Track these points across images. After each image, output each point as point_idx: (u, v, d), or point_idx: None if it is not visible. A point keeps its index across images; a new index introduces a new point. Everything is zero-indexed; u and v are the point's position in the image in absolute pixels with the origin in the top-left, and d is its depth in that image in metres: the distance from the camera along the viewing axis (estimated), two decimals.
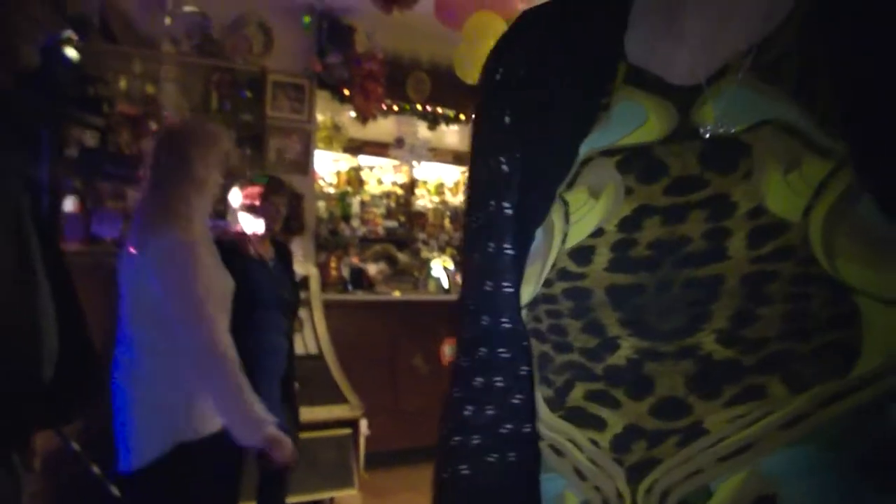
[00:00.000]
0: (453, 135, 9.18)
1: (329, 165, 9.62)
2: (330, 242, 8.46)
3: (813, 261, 0.70)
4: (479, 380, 1.00)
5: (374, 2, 5.73)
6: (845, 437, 0.72)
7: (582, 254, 0.81)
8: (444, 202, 10.49)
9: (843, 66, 0.76)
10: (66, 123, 5.70)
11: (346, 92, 7.13)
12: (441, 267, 8.51)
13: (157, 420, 3.17)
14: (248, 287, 3.49)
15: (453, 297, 8.33)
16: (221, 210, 4.29)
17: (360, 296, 7.43)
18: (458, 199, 10.65)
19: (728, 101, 0.79)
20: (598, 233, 0.80)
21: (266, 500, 4.41)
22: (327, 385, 5.94)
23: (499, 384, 0.99)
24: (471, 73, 6.02)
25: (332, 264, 7.68)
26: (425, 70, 7.83)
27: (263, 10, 6.86)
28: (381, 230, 9.60)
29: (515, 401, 0.98)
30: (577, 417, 0.83)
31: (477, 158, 1.01)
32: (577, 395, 0.83)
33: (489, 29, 5.71)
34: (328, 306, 6.48)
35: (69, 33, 4.64)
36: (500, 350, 0.98)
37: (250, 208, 4.39)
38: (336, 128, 8.17)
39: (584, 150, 0.86)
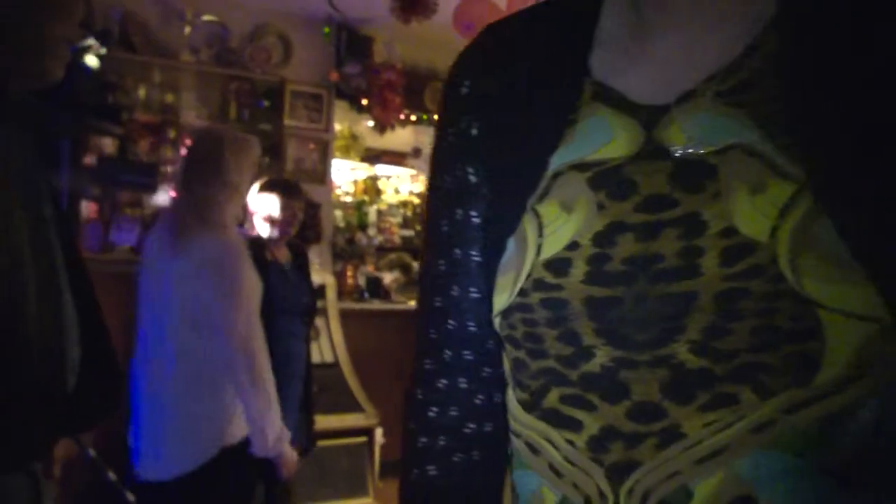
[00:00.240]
0: None
1: (346, 175, 9.63)
2: (346, 251, 8.46)
3: (781, 278, 0.74)
4: (443, 381, 1.03)
5: (392, 12, 5.75)
6: (812, 444, 0.75)
7: (558, 266, 0.84)
8: None
9: (802, 97, 0.80)
10: (86, 132, 5.74)
11: (364, 102, 7.14)
12: None
13: (198, 428, 3.21)
14: (267, 292, 3.51)
15: None
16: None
17: (377, 305, 7.43)
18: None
19: (695, 124, 0.82)
20: (573, 246, 0.83)
21: None
22: (343, 393, 5.95)
23: (462, 386, 1.03)
24: None
25: (349, 273, 7.68)
26: (443, 80, 7.82)
27: (282, 21, 6.89)
28: (397, 239, 9.60)
29: (477, 401, 1.03)
30: (554, 418, 0.85)
31: (442, 168, 1.04)
32: (552, 398, 0.85)
33: None
34: (344, 315, 6.48)
35: (90, 41, 4.66)
36: (465, 353, 1.02)
37: (266, 213, 4.40)
38: (353, 137, 8.18)
39: (555, 163, 0.88)
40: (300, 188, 4.70)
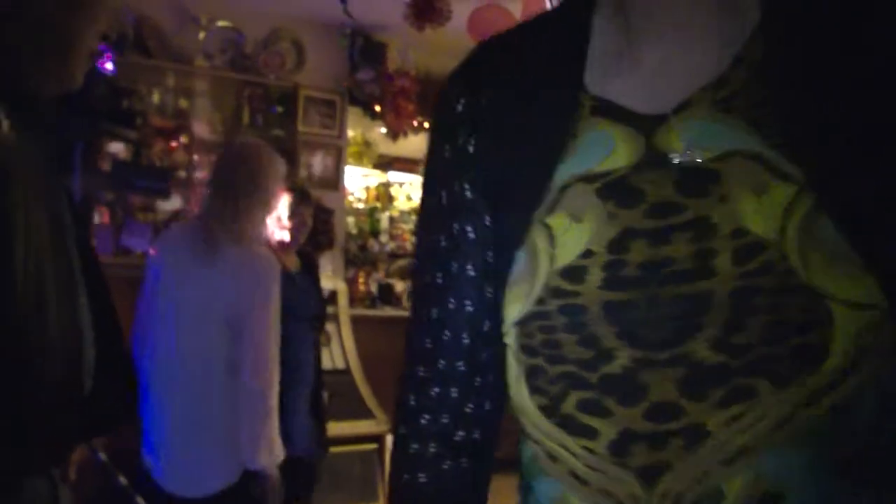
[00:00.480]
0: None
1: (358, 181, 9.65)
2: (358, 258, 8.47)
3: (791, 273, 0.78)
4: (435, 390, 1.07)
5: (406, 19, 5.75)
6: (825, 439, 0.79)
7: (574, 273, 0.87)
8: None
9: (792, 100, 0.84)
10: (100, 136, 5.76)
11: (378, 108, 7.15)
12: None
13: (231, 447, 3.22)
14: None
15: None
16: None
17: (388, 311, 7.43)
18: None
19: (693, 132, 0.85)
20: (588, 254, 0.86)
21: None
22: (354, 400, 5.94)
23: (454, 394, 1.06)
24: None
25: (361, 279, 7.69)
26: None
27: (296, 27, 6.90)
28: (409, 246, 9.60)
29: (468, 410, 1.06)
30: (569, 426, 0.88)
31: (437, 183, 1.07)
32: (570, 403, 0.88)
33: None
34: (356, 321, 6.48)
35: (104, 47, 4.68)
36: (458, 363, 1.06)
37: (277, 219, 4.41)
38: (366, 144, 8.19)
39: (561, 177, 0.91)
40: (310, 194, 4.71)
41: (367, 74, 7.04)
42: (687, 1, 0.90)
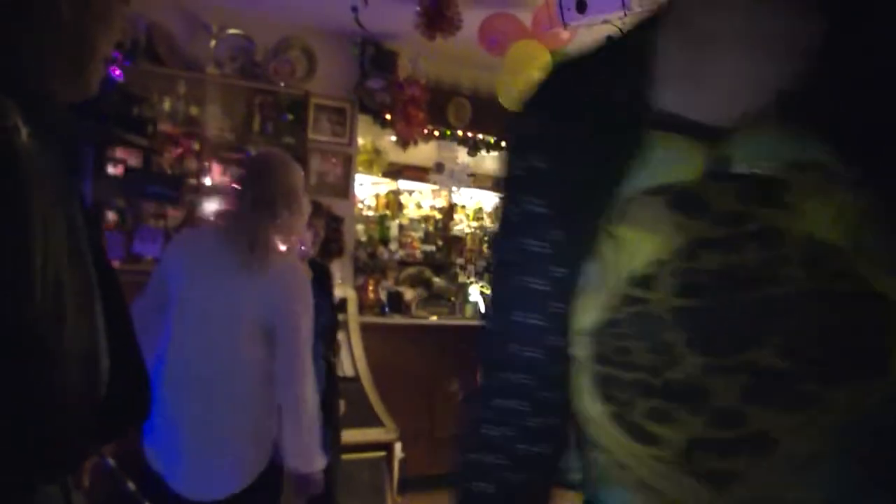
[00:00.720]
0: (493, 161, 9.19)
1: (368, 189, 9.66)
2: (368, 265, 8.48)
3: (861, 280, 0.80)
4: (501, 402, 1.09)
5: (417, 28, 5.77)
6: (887, 446, 0.81)
7: (645, 282, 0.89)
8: (482, 227, 10.49)
9: (861, 112, 0.85)
10: (111, 143, 5.78)
11: (388, 116, 7.16)
12: (478, 292, 8.50)
13: (255, 445, 3.28)
14: None
15: None
16: None
17: (397, 319, 7.44)
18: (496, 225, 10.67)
19: (759, 143, 0.87)
20: (658, 263, 0.88)
21: None
22: (363, 408, 5.94)
23: (520, 408, 1.08)
24: (513, 101, 6.03)
25: (370, 287, 7.70)
26: (467, 96, 7.85)
27: (307, 35, 6.92)
28: (418, 254, 9.62)
29: (532, 424, 1.09)
30: (638, 434, 0.90)
31: (510, 198, 1.10)
32: (639, 411, 0.89)
33: (532, 57, 5.73)
34: (365, 329, 6.49)
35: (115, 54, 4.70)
36: (523, 376, 1.07)
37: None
38: (376, 152, 8.20)
39: (628, 190, 0.93)
40: (321, 206, 4.75)
41: (378, 83, 7.06)
42: (750, 14, 0.91)
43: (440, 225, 10.16)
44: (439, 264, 9.67)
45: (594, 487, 1.01)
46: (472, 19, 5.73)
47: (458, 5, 5.69)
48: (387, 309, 7.60)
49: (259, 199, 3.29)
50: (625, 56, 1.03)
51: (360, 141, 7.67)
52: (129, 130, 5.62)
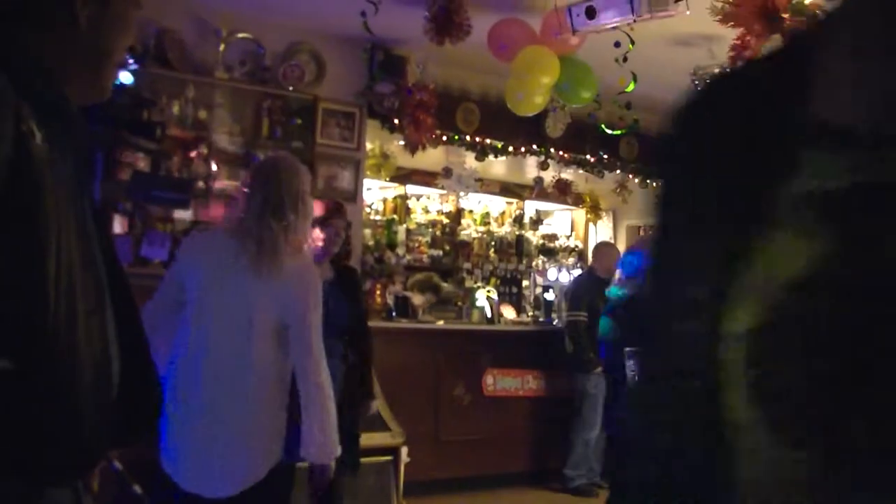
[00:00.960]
0: (500, 166, 9.19)
1: (376, 193, 9.68)
2: (375, 270, 8.49)
3: None
4: (656, 409, 1.09)
5: (426, 33, 5.78)
6: None
7: (802, 287, 0.89)
8: (489, 232, 10.51)
9: None
10: (120, 147, 5.80)
11: (396, 121, 7.17)
12: (485, 297, 8.50)
13: (271, 442, 3.39)
14: None
15: (496, 327, 8.32)
16: None
17: (404, 323, 7.44)
18: (503, 230, 10.67)
19: None
20: (814, 268, 0.89)
21: None
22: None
23: (672, 416, 1.08)
24: (521, 106, 6.04)
25: (377, 292, 7.71)
26: (475, 101, 7.86)
27: (316, 39, 6.94)
28: (425, 259, 9.63)
29: (687, 427, 1.07)
30: (791, 439, 0.90)
31: (665, 206, 1.10)
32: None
33: (541, 63, 5.74)
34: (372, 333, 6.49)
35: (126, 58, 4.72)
36: (678, 383, 1.07)
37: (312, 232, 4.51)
38: (384, 156, 8.22)
39: (783, 197, 0.94)
40: (343, 208, 4.79)
41: (387, 87, 7.07)
42: None
43: (447, 229, 10.18)
44: (446, 269, 9.68)
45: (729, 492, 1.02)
46: (481, 25, 5.74)
47: (468, 11, 5.70)
48: (394, 313, 7.60)
49: (267, 202, 3.37)
50: (782, 65, 1.04)
51: (369, 145, 7.68)
52: (137, 134, 5.63)
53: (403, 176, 9.32)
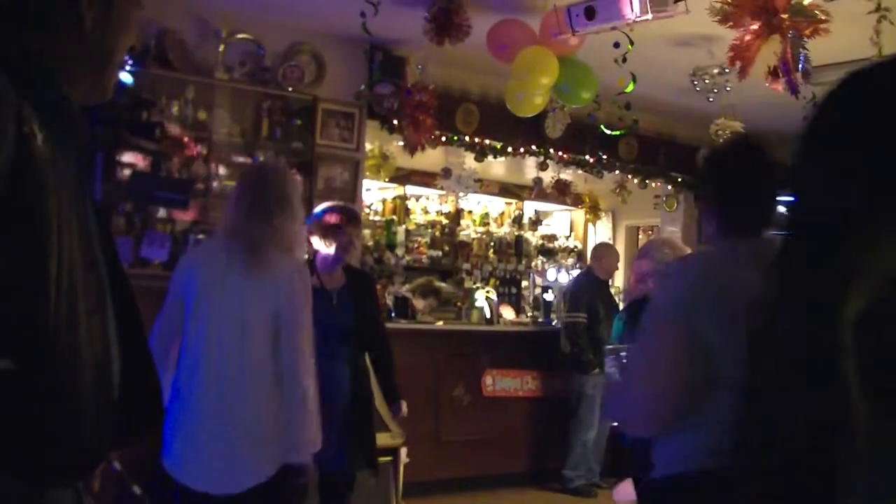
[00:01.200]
0: (500, 166, 9.20)
1: (375, 194, 9.68)
2: (375, 270, 8.50)
3: None
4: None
5: (426, 34, 5.78)
6: None
7: None
8: (488, 233, 10.52)
9: None
10: (120, 147, 5.80)
11: (396, 122, 7.17)
12: (484, 297, 8.50)
13: (276, 440, 3.43)
14: None
15: (495, 327, 8.32)
16: None
17: (403, 324, 7.45)
18: (502, 231, 10.67)
19: None
20: None
21: None
22: None
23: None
24: (520, 107, 6.04)
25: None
26: (475, 102, 7.86)
27: (316, 40, 6.94)
28: (425, 259, 9.63)
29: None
30: None
31: (804, 201, 1.13)
32: None
33: (540, 63, 5.74)
34: None
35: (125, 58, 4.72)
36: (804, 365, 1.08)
37: (323, 236, 4.53)
38: (384, 157, 8.22)
39: None
40: (358, 217, 4.80)
41: (386, 88, 7.07)
42: None
43: (447, 230, 10.18)
44: (445, 269, 9.69)
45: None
46: (480, 25, 5.74)
47: (467, 11, 5.70)
48: (393, 314, 7.61)
49: (254, 206, 3.48)
50: None
51: (368, 146, 7.69)
52: (137, 135, 5.63)
53: (403, 176, 9.33)
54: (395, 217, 9.73)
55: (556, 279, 9.77)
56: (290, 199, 3.54)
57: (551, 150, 8.27)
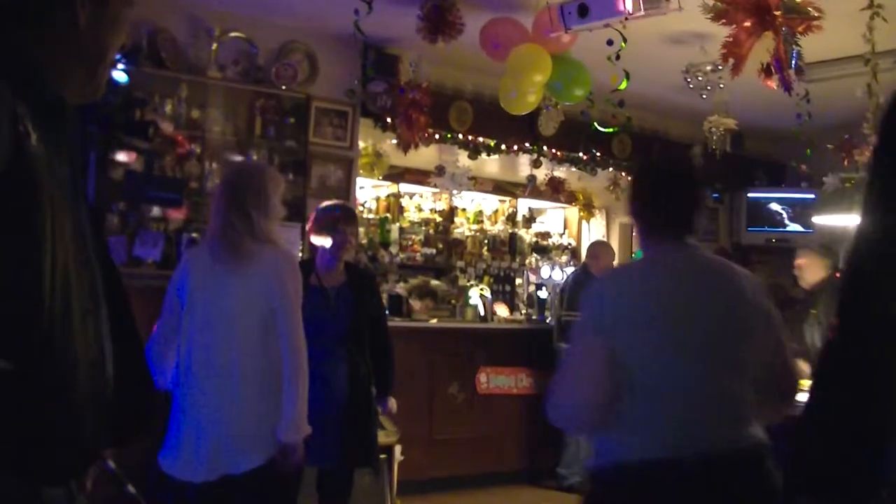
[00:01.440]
0: (493, 164, 9.20)
1: (369, 192, 9.67)
2: (369, 268, 8.49)
3: None
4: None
5: (419, 32, 5.78)
6: None
7: None
8: (482, 230, 10.51)
9: None
10: (113, 146, 5.78)
11: (389, 120, 7.17)
12: (478, 295, 8.50)
13: (261, 430, 3.50)
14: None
15: (489, 325, 8.32)
16: None
17: (397, 322, 7.44)
18: (496, 228, 10.67)
19: None
20: None
21: None
22: None
23: None
24: (514, 105, 6.04)
25: None
26: (468, 100, 7.86)
27: (309, 38, 6.94)
28: (419, 257, 9.63)
29: None
30: None
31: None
32: None
33: (533, 61, 5.74)
34: None
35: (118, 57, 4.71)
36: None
37: (320, 233, 4.55)
38: (377, 155, 8.21)
39: None
40: (352, 213, 4.81)
41: (380, 86, 7.07)
42: None
43: (441, 228, 10.18)
44: (440, 267, 9.68)
45: None
46: (473, 23, 5.74)
47: (460, 10, 5.70)
48: (387, 312, 7.60)
49: (231, 203, 3.58)
50: None
51: (362, 144, 7.68)
52: (130, 134, 5.62)
53: (396, 174, 9.32)
54: (388, 215, 9.72)
55: (550, 277, 9.77)
56: (268, 195, 3.62)
57: (545, 148, 8.28)
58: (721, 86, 6.57)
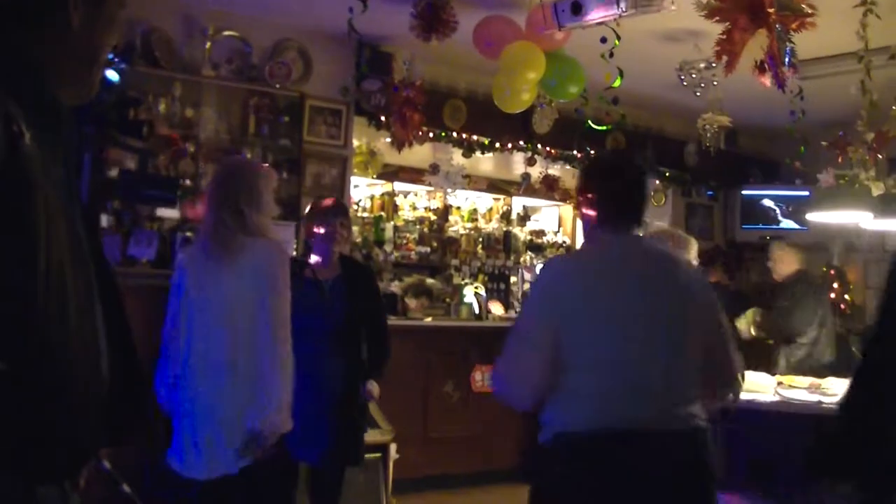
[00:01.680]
0: (488, 162, 9.19)
1: (364, 191, 9.67)
2: (367, 263, 8.48)
3: None
4: None
5: (412, 30, 5.77)
6: None
7: None
8: (477, 229, 10.50)
9: None
10: (108, 146, 5.78)
11: (383, 118, 7.17)
12: (473, 293, 8.50)
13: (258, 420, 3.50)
14: (294, 305, 3.66)
15: (484, 323, 8.34)
16: None
17: (392, 320, 7.44)
18: (491, 226, 10.67)
19: None
20: None
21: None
22: None
23: None
24: (508, 103, 6.04)
25: None
26: (462, 98, 7.86)
27: (303, 37, 6.93)
28: (413, 255, 9.62)
29: None
30: None
31: None
32: None
33: (527, 59, 5.74)
34: None
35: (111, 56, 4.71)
36: None
37: (310, 224, 4.58)
38: (372, 153, 8.21)
39: None
40: (341, 205, 4.82)
41: (374, 84, 7.06)
42: None
43: (435, 226, 10.17)
44: (434, 265, 9.68)
45: None
46: (467, 21, 5.74)
47: (454, 8, 5.70)
48: None
49: (222, 199, 3.64)
50: None
51: (356, 142, 7.68)
52: (125, 133, 5.61)
53: (391, 173, 9.32)
54: (383, 213, 9.72)
55: None
56: (259, 191, 3.68)
57: (539, 146, 8.28)
58: (715, 83, 6.57)
